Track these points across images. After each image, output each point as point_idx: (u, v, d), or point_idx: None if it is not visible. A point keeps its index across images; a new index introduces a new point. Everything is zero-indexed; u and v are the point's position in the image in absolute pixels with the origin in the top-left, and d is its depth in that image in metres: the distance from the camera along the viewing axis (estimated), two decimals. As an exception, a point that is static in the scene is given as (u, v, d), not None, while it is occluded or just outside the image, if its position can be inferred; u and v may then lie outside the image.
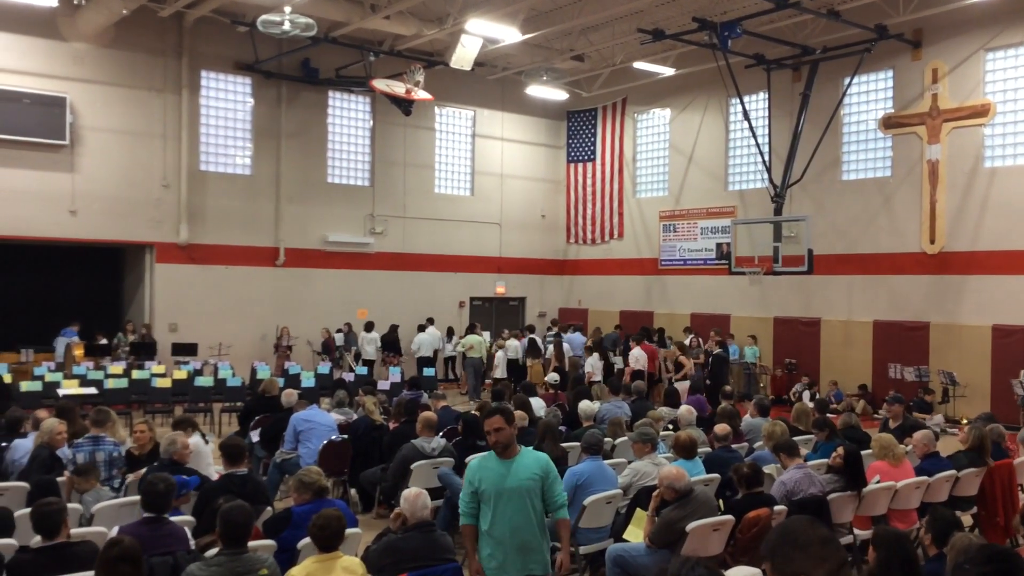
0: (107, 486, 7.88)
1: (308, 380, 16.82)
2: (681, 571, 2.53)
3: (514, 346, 20.91)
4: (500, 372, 20.16)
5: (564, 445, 9.55)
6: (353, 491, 10.57)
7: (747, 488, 7.17)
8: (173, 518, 6.06)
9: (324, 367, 18.90)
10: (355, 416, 11.43)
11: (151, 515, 5.87)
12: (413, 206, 24.07)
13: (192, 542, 6.15)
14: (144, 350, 19.01)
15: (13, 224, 18.33)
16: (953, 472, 8.61)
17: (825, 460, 8.49)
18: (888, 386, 17.87)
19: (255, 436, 11.15)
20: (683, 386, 15.87)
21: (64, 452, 8.10)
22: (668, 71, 22.09)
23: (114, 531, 5.91)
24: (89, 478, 7.21)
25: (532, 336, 21.37)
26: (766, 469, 8.00)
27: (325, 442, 9.94)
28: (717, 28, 17.27)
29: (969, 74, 18.09)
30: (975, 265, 17.96)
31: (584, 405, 10.85)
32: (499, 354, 20.93)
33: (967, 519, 8.61)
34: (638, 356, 18.67)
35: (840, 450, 8.05)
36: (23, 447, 8.47)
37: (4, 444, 8.72)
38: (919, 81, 18.84)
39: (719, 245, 22.53)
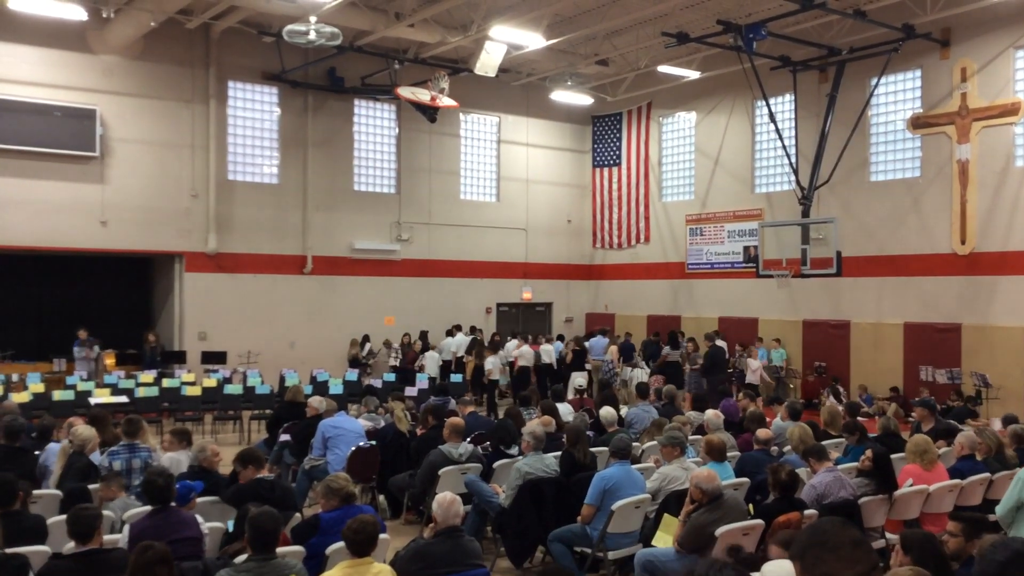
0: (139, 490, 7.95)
1: (336, 387, 16.89)
2: (709, 572, 2.51)
3: (456, 343, 21.42)
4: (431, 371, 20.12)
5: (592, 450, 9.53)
6: (381, 497, 10.59)
7: (781, 493, 7.11)
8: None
9: (352, 374, 18.96)
10: (383, 423, 11.46)
11: (156, 507, 6.13)
12: (439, 213, 24.13)
13: (204, 527, 6.31)
14: (167, 358, 19.29)
15: (45, 235, 18.59)
16: (987, 475, 8.49)
17: (855, 464, 8.40)
18: (919, 389, 17.67)
19: (284, 437, 11.21)
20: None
21: (96, 457, 8.19)
22: (693, 74, 22.02)
23: (126, 529, 6.00)
24: (111, 486, 7.24)
25: (475, 336, 21.88)
26: (795, 472, 7.93)
27: (353, 448, 9.96)
28: (742, 30, 17.18)
29: (999, 72, 17.87)
30: (1007, 266, 17.73)
31: (605, 411, 10.80)
32: (430, 354, 20.90)
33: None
34: (523, 353, 20.03)
35: (868, 452, 7.98)
36: (53, 451, 8.58)
37: (37, 452, 8.83)
38: (947, 80, 18.64)
39: (746, 248, 22.39)
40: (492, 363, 19.19)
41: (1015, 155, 17.69)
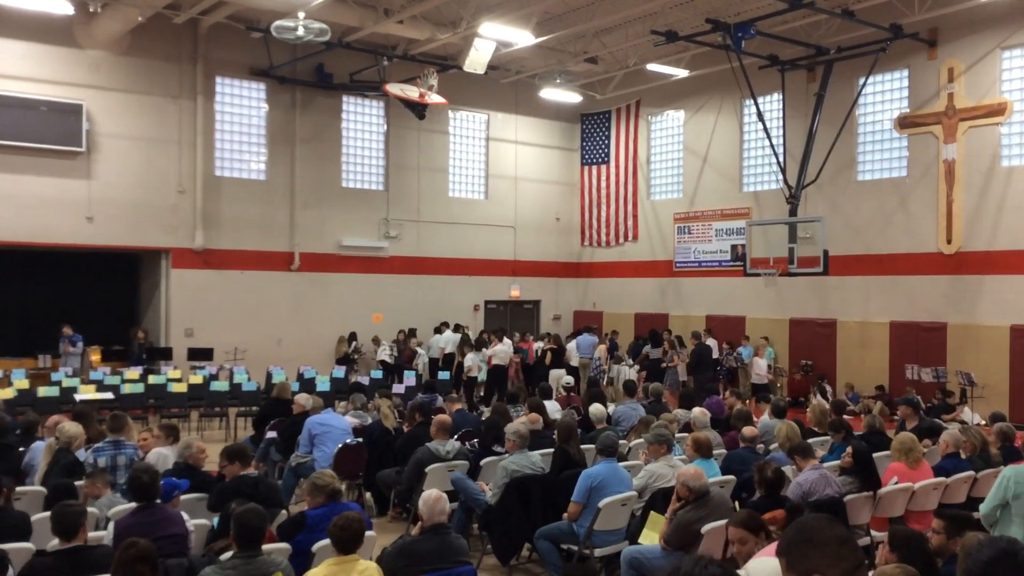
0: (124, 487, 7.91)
1: (323, 384, 16.85)
2: (694, 570, 2.51)
3: (444, 340, 21.17)
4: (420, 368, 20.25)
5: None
6: (368, 495, 10.58)
7: (766, 490, 7.13)
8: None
9: (339, 371, 18.93)
10: (370, 420, 11.44)
11: (142, 504, 6.10)
12: (427, 210, 24.10)
13: (190, 523, 6.30)
14: (152, 354, 19.19)
15: (31, 231, 18.48)
16: (971, 473, 8.54)
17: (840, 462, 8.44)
18: (905, 387, 17.75)
19: (271, 434, 11.17)
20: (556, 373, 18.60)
21: (81, 454, 8.15)
22: (682, 73, 22.05)
23: (111, 526, 5.97)
24: (96, 483, 7.19)
25: (464, 333, 21.71)
26: (781, 471, 7.96)
27: (340, 446, 9.94)
28: (731, 29, 17.20)
29: (985, 73, 17.97)
30: (992, 265, 17.83)
31: (594, 408, 10.82)
32: (423, 351, 20.97)
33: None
34: (497, 351, 19.98)
35: (848, 450, 8.03)
36: (39, 449, 8.54)
37: (22, 449, 8.78)
38: (935, 80, 18.73)
39: (734, 247, 22.45)
40: (471, 360, 19.27)
41: (1001, 155, 17.80)
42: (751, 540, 5.18)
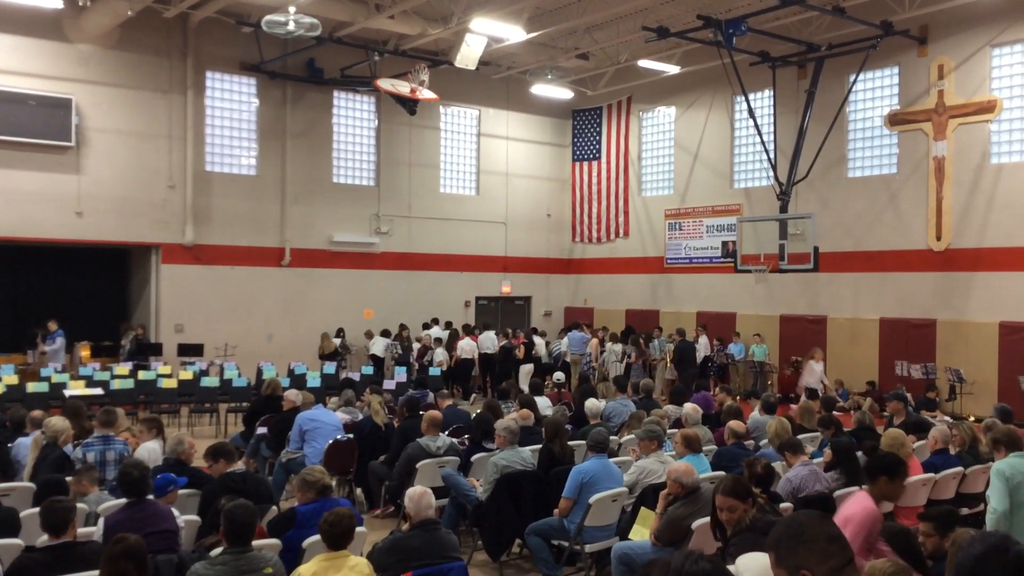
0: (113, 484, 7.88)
1: (314, 380, 16.82)
2: (684, 564, 2.52)
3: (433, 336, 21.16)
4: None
5: (570, 443, 9.53)
6: (359, 490, 10.57)
7: (756, 486, 7.14)
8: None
9: (330, 367, 18.88)
10: (360, 416, 11.42)
11: (132, 500, 6.09)
12: (418, 206, 24.07)
13: (180, 519, 6.28)
14: (145, 351, 19.13)
15: (19, 225, 18.39)
16: (960, 469, 8.57)
17: (830, 459, 8.47)
18: (895, 383, 17.82)
19: (261, 430, 11.15)
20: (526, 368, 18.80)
21: (69, 450, 8.11)
22: (673, 69, 22.06)
23: (100, 522, 5.95)
24: (83, 480, 7.12)
25: (453, 329, 21.69)
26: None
27: (331, 442, 9.93)
28: (722, 25, 17.21)
29: (975, 70, 18.02)
30: (982, 262, 17.90)
31: (590, 403, 10.84)
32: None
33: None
34: (463, 347, 20.14)
35: (829, 444, 8.08)
36: (24, 444, 8.50)
37: (10, 444, 8.74)
38: (925, 77, 18.78)
39: (725, 243, 22.49)
40: (441, 355, 19.37)
41: (990, 152, 17.86)
42: (740, 507, 5.20)
